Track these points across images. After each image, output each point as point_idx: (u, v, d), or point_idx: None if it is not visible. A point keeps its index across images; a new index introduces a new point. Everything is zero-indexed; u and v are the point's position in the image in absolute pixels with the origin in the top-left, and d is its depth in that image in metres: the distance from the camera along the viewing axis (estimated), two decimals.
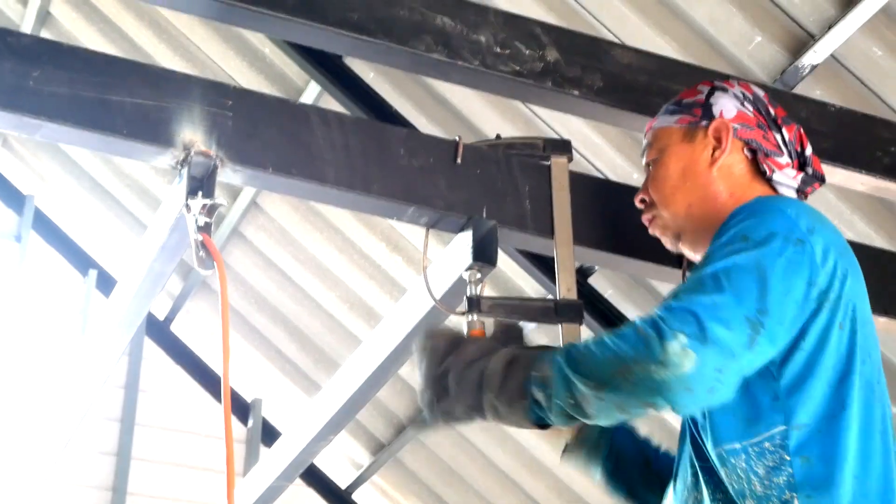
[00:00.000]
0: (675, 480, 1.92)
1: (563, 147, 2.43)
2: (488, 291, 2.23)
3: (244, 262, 5.44)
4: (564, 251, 2.32)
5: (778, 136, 2.04)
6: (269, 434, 6.00)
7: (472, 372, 1.80)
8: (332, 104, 4.30)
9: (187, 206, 2.11)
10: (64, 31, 5.17)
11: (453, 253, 2.31)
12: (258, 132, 2.21)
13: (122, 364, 5.97)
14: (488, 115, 4.10)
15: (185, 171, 2.14)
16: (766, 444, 1.75)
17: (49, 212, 6.11)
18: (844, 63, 3.35)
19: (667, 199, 2.04)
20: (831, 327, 1.77)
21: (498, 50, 2.42)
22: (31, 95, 2.08)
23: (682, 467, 1.89)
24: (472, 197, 2.33)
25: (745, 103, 2.06)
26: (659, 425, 4.47)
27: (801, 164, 2.05)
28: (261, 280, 5.51)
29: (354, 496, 6.09)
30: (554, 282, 2.29)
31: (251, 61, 4.66)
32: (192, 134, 2.15)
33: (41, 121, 2.09)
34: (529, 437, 5.07)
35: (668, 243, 2.09)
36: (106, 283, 5.93)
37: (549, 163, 2.41)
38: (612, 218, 2.43)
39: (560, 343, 2.16)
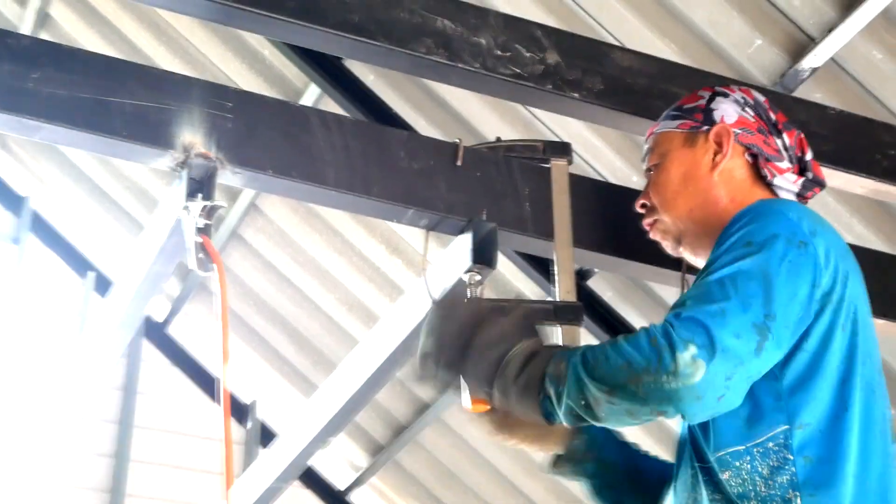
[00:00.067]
0: (674, 482, 1.92)
1: (563, 150, 2.43)
2: (487, 293, 2.23)
3: (243, 265, 5.44)
4: (564, 253, 2.32)
5: (778, 141, 2.05)
6: (267, 436, 5.99)
7: (494, 353, 1.82)
8: (332, 106, 4.30)
9: (187, 208, 2.11)
10: (63, 32, 5.17)
11: (453, 255, 2.31)
12: (258, 134, 2.21)
13: (119, 366, 5.97)
14: (488, 118, 4.09)
15: (184, 174, 2.13)
16: (770, 444, 1.76)
17: (47, 214, 6.11)
18: (844, 66, 3.35)
19: (668, 204, 2.05)
20: (834, 329, 1.79)
21: (498, 52, 2.42)
22: (31, 97, 2.08)
23: (681, 469, 1.90)
24: (471, 199, 2.33)
25: (746, 108, 2.07)
26: (657, 427, 4.47)
27: (802, 168, 2.07)
28: (260, 282, 5.51)
29: (352, 498, 6.09)
30: (553, 284, 2.29)
31: (251, 63, 4.66)
32: (192, 136, 2.15)
33: (40, 122, 2.08)
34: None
35: (668, 248, 2.10)
36: (104, 286, 5.92)
37: (548, 165, 2.41)
38: (612, 221, 2.42)
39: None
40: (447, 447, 5.56)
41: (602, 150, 3.91)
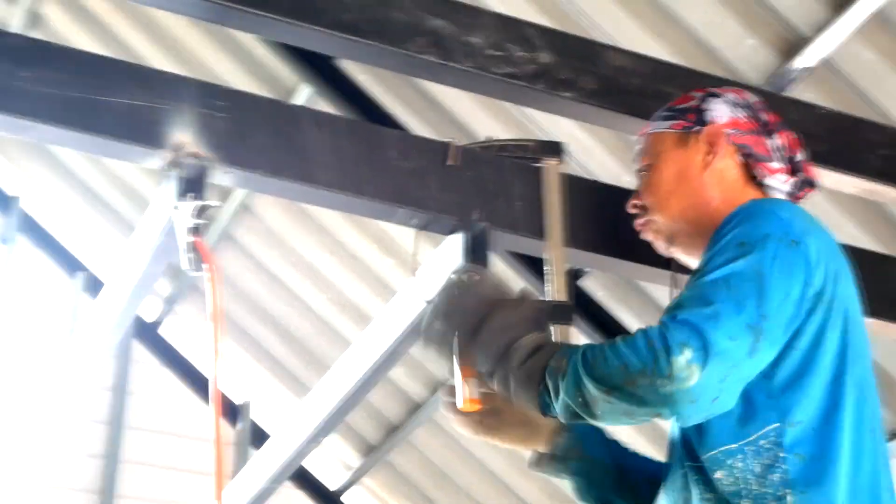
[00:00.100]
0: (664, 482, 1.93)
1: (556, 149, 2.43)
2: None
3: (234, 265, 5.43)
4: (556, 253, 2.32)
5: (770, 142, 2.07)
6: (258, 436, 5.99)
7: (504, 337, 1.84)
8: (324, 106, 4.30)
9: (178, 207, 2.10)
10: (53, 31, 5.15)
11: (444, 255, 2.30)
12: (250, 134, 2.20)
13: (110, 366, 5.95)
14: (481, 117, 4.10)
15: (175, 173, 2.13)
16: (762, 443, 1.77)
17: (37, 214, 6.09)
18: (837, 67, 3.36)
19: (661, 204, 2.06)
20: (826, 327, 1.80)
21: (491, 52, 2.42)
22: (21, 96, 2.06)
23: (672, 469, 1.91)
24: (463, 199, 2.33)
25: (738, 109, 2.08)
26: (650, 427, 4.47)
27: (793, 169, 2.08)
28: (251, 282, 5.50)
29: (344, 498, 6.08)
30: (545, 284, 2.29)
31: (243, 63, 4.65)
32: (183, 135, 2.14)
33: (31, 122, 2.07)
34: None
35: (661, 247, 2.11)
36: (94, 286, 5.91)
37: (541, 165, 2.40)
38: (604, 220, 2.42)
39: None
40: (439, 447, 5.56)
41: (594, 149, 3.92)
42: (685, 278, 2.18)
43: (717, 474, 1.79)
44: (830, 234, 1.89)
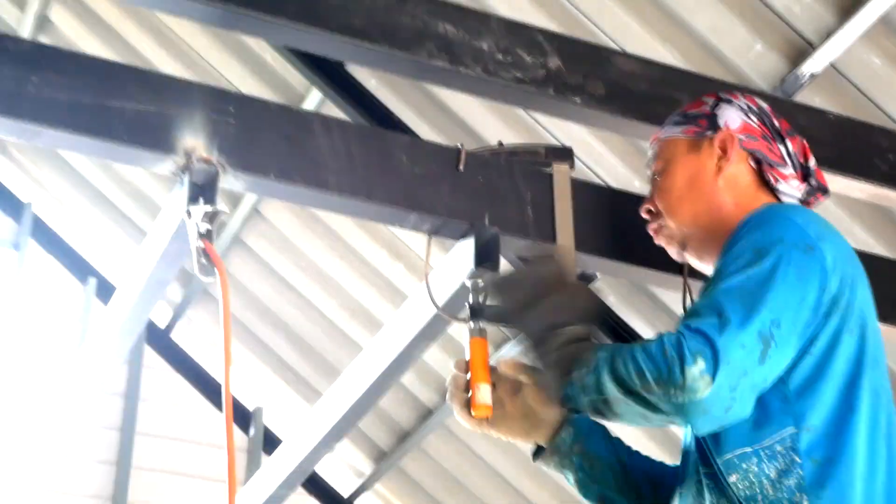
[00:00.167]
0: (680, 487, 1.94)
1: (565, 154, 2.43)
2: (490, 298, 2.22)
3: (245, 270, 5.44)
4: (566, 258, 2.32)
5: (782, 148, 2.08)
6: (270, 442, 5.98)
7: (552, 318, 1.88)
8: (334, 111, 4.30)
9: (188, 212, 2.11)
10: (62, 36, 5.16)
11: (455, 260, 2.31)
12: (260, 139, 2.21)
13: (121, 372, 5.96)
14: (490, 123, 4.10)
15: (186, 178, 2.13)
16: (778, 447, 1.78)
17: (48, 219, 6.10)
18: (844, 72, 3.36)
19: (673, 209, 2.07)
20: (841, 332, 1.81)
21: (500, 57, 2.42)
22: (31, 101, 2.07)
23: (687, 475, 1.92)
24: (474, 204, 2.33)
25: (750, 115, 2.10)
26: (662, 432, 4.47)
27: (805, 175, 2.09)
28: (262, 288, 5.50)
29: None
30: None
31: (253, 68, 4.66)
32: (194, 140, 2.15)
33: (41, 127, 2.08)
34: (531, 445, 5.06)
35: (673, 253, 2.12)
36: (106, 292, 5.92)
37: (550, 170, 2.41)
38: (614, 225, 2.43)
39: None
40: (451, 453, 5.56)
41: (604, 154, 3.92)
42: (696, 283, 2.19)
43: (732, 478, 1.80)
44: (845, 240, 1.90)
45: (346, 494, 6.07)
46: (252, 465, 5.85)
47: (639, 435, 4.44)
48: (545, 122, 3.96)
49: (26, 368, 5.85)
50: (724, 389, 1.69)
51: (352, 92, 4.29)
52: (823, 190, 2.11)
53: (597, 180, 3.92)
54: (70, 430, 5.74)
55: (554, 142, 3.93)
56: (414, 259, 4.86)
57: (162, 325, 6.09)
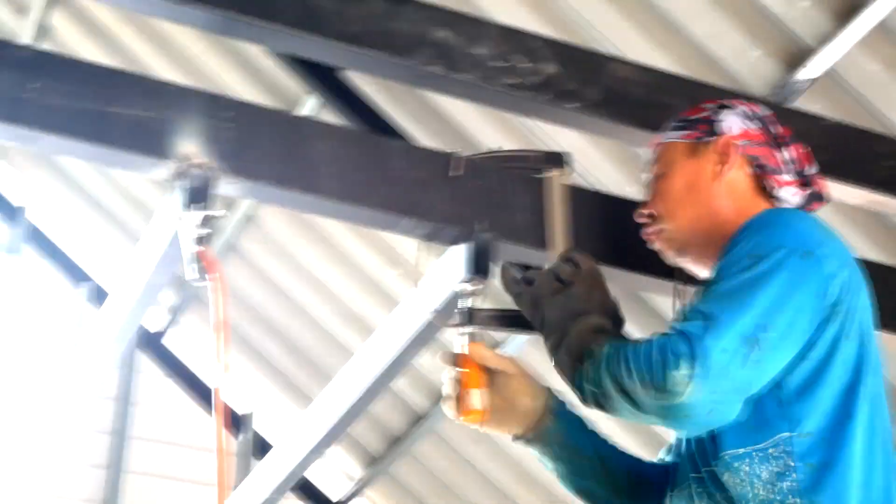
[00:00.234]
0: (671, 488, 1.95)
1: (559, 160, 2.43)
2: (482, 303, 2.22)
3: (239, 275, 5.43)
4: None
5: (781, 155, 2.08)
6: (261, 447, 5.98)
7: (579, 306, 1.93)
8: (330, 117, 4.30)
9: (183, 217, 2.10)
10: (62, 43, 5.16)
11: (448, 265, 2.31)
12: (255, 144, 2.21)
13: (114, 376, 5.95)
14: (486, 129, 4.10)
15: (181, 183, 2.13)
16: (771, 451, 1.78)
17: (42, 224, 6.10)
18: (841, 78, 3.36)
19: (672, 213, 2.08)
20: (840, 338, 1.81)
21: (496, 63, 2.42)
22: (29, 107, 2.07)
23: (680, 475, 1.93)
24: (467, 210, 2.33)
25: (750, 121, 2.10)
26: (646, 427, 4.47)
27: (804, 182, 2.09)
28: (255, 293, 5.50)
29: None
30: None
31: (249, 74, 4.66)
32: (190, 145, 2.14)
33: (39, 132, 2.08)
34: (523, 451, 5.06)
35: (669, 257, 2.12)
36: (99, 296, 5.91)
37: (544, 175, 2.40)
38: (608, 231, 2.42)
39: None
40: (442, 459, 5.55)
41: (598, 160, 3.92)
42: (688, 289, 2.19)
43: (724, 476, 1.80)
44: (845, 246, 1.91)
45: (336, 499, 6.07)
46: (243, 470, 5.84)
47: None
48: (540, 128, 3.96)
49: (19, 372, 5.84)
50: (704, 393, 1.70)
51: (347, 98, 4.30)
52: (821, 198, 2.11)
53: (591, 186, 3.92)
54: (62, 434, 5.73)
55: (548, 147, 3.92)
56: (407, 265, 4.86)
57: (155, 329, 6.08)
